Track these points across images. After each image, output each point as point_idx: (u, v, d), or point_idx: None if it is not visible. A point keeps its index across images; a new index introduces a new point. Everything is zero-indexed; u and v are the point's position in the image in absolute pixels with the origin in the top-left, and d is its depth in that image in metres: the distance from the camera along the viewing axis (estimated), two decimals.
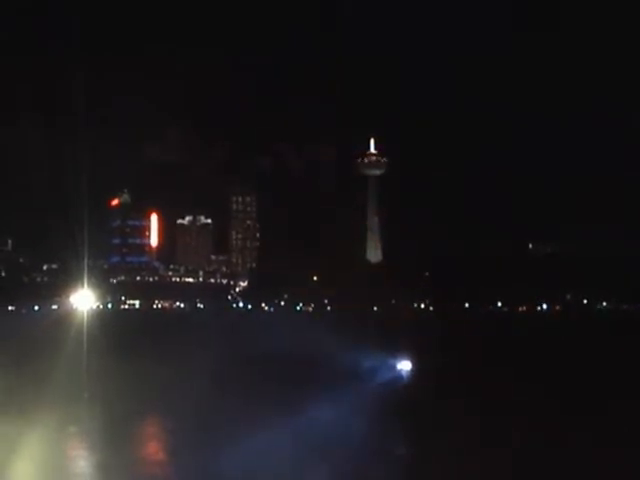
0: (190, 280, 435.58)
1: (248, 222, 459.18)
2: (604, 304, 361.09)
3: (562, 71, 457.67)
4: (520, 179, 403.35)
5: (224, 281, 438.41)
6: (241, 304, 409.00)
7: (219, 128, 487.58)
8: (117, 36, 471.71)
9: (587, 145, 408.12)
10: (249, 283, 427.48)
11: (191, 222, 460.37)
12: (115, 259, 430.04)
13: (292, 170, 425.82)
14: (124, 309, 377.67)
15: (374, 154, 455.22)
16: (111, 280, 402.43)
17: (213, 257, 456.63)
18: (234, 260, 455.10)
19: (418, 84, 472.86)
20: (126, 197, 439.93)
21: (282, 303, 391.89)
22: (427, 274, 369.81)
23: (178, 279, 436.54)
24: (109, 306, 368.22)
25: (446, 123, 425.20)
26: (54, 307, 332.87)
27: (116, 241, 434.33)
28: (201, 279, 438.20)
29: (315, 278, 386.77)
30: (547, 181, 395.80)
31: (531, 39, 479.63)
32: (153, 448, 54.69)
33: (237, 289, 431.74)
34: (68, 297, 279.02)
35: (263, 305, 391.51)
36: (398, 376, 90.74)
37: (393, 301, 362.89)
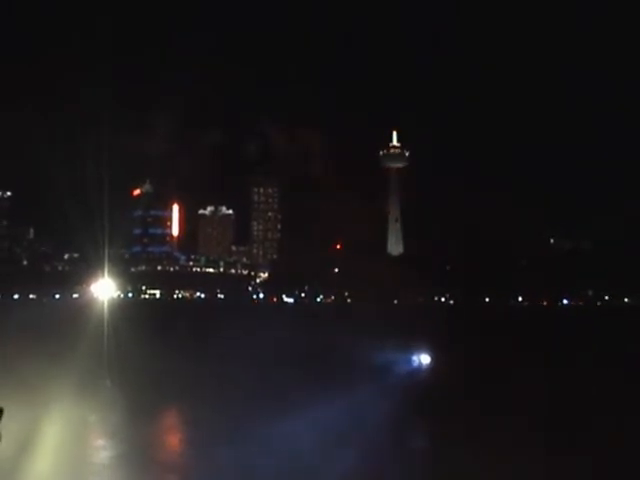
0: (211, 270, 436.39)
1: (269, 214, 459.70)
2: (625, 300, 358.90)
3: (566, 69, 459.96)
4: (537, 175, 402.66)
5: (245, 272, 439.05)
6: (261, 295, 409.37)
7: (242, 119, 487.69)
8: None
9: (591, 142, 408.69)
10: (270, 274, 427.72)
11: (212, 213, 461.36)
12: (136, 249, 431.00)
13: (313, 163, 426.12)
14: (144, 299, 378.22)
15: (396, 147, 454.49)
16: (132, 270, 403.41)
17: (234, 248, 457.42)
18: (255, 251, 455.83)
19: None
20: (148, 187, 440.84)
21: (302, 295, 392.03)
22: (448, 268, 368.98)
23: (199, 269, 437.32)
24: (129, 295, 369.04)
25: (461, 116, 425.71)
26: (75, 296, 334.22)
27: (137, 231, 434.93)
28: (222, 270, 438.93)
29: (336, 270, 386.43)
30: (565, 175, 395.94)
31: (533, 40, 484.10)
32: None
33: (258, 280, 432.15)
34: (89, 286, 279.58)
35: (285, 297, 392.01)
36: (416, 369, 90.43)
37: (413, 294, 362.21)
